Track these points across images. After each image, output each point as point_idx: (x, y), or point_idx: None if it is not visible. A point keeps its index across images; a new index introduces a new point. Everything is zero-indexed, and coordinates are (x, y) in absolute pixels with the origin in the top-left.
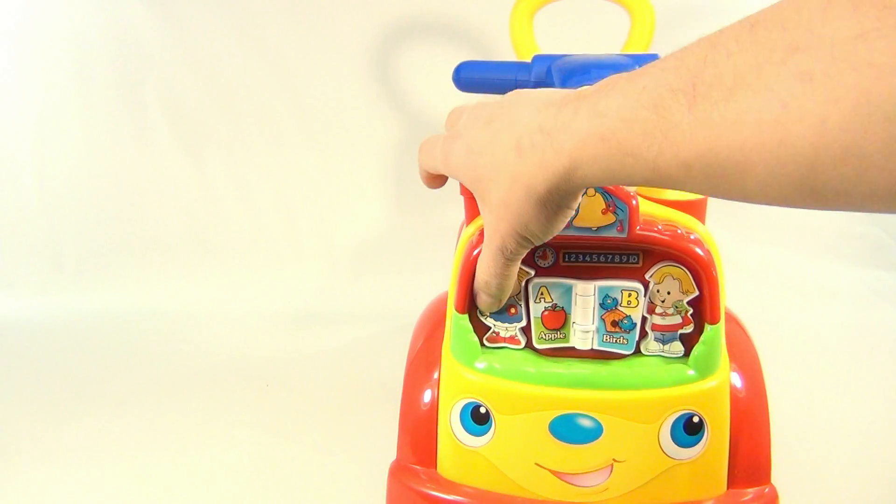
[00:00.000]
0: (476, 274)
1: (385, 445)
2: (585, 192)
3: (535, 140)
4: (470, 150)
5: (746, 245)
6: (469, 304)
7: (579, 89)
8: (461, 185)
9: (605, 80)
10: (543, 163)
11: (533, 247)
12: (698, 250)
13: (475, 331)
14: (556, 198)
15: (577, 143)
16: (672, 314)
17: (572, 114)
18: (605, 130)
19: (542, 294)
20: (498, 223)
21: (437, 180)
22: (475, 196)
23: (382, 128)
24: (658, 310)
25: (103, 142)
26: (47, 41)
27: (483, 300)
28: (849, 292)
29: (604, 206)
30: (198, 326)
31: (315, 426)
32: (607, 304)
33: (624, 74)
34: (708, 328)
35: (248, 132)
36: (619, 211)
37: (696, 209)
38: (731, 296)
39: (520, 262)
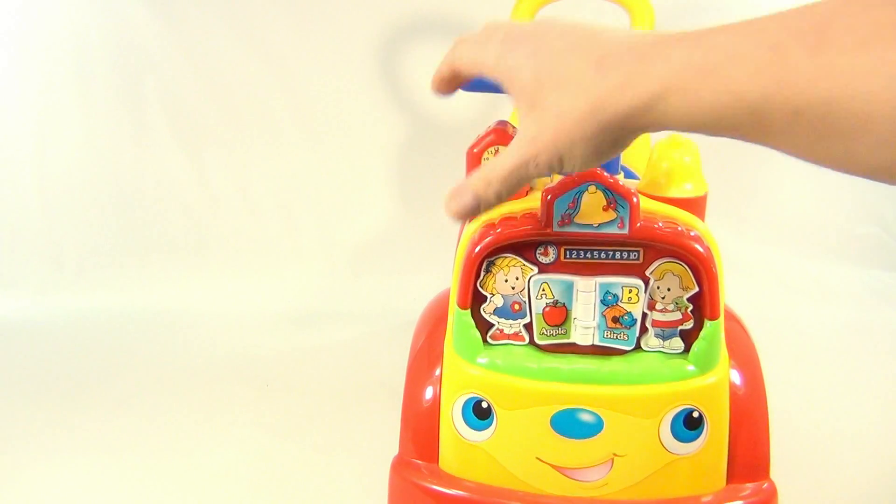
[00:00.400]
0: (474, 172)
1: (386, 442)
2: (587, 189)
3: (623, 59)
4: (538, 52)
5: (747, 245)
6: (471, 300)
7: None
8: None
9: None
10: (627, 84)
11: (558, 173)
12: (698, 247)
13: (479, 328)
14: (617, 129)
15: (672, 70)
16: (672, 310)
17: (673, 43)
18: (707, 63)
19: (543, 290)
20: (542, 132)
21: (450, 84)
22: (522, 100)
23: (383, 127)
24: (658, 306)
25: (103, 142)
26: (47, 41)
27: (462, 201)
28: (849, 292)
29: (605, 203)
30: (198, 326)
31: (315, 425)
32: (608, 300)
33: (745, 21)
34: (707, 324)
35: (249, 132)
36: (620, 208)
37: (695, 207)
38: (732, 296)
39: (528, 182)
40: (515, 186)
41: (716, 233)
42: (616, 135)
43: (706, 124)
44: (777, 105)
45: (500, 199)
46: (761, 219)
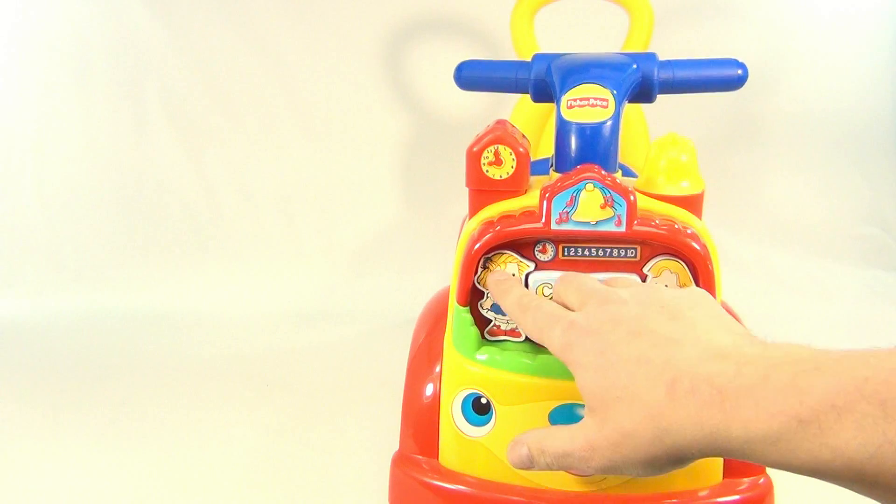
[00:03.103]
0: (537, 431)
1: (387, 439)
2: (585, 188)
3: (698, 389)
4: (603, 356)
5: (747, 245)
6: (470, 297)
7: (760, 346)
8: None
9: (797, 350)
10: (701, 419)
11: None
12: (695, 244)
13: (477, 324)
14: (685, 455)
15: (761, 415)
16: None
17: (758, 380)
18: (805, 412)
19: (542, 287)
20: (601, 442)
21: None
22: (585, 398)
23: (383, 126)
24: None
25: (103, 142)
26: (47, 41)
27: (518, 453)
28: (849, 292)
29: (602, 201)
30: (198, 326)
31: (315, 425)
32: None
33: (830, 354)
34: None
35: (249, 131)
36: (617, 206)
37: (692, 205)
38: (730, 295)
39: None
40: (566, 468)
41: (714, 232)
42: (681, 458)
43: (798, 471)
44: (889, 467)
45: (550, 468)
46: (760, 218)
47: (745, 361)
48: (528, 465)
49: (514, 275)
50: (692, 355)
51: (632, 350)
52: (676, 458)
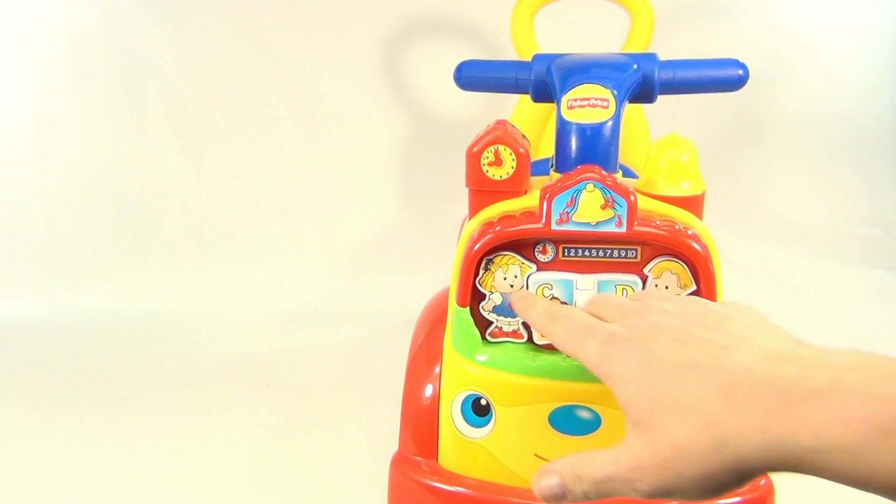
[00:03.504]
0: (569, 457)
1: (386, 440)
2: (585, 188)
3: (759, 393)
4: (648, 366)
5: (747, 245)
6: (470, 298)
7: (820, 351)
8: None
9: (864, 356)
10: (765, 426)
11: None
12: (696, 245)
13: (478, 325)
14: (747, 470)
15: (835, 422)
16: None
17: (828, 385)
18: (888, 421)
19: (542, 288)
20: (649, 459)
21: None
22: (629, 412)
23: (383, 126)
24: None
25: (103, 142)
26: (47, 41)
27: (548, 485)
28: (849, 292)
29: (603, 202)
30: (198, 326)
31: (315, 425)
32: None
33: None
34: None
35: (249, 131)
36: (617, 206)
37: (693, 206)
38: (732, 296)
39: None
40: (607, 494)
41: (715, 232)
42: (742, 473)
43: (876, 488)
44: None
45: (586, 498)
46: (761, 219)
47: (809, 365)
48: (560, 496)
49: (516, 276)
50: (748, 358)
51: (679, 357)
52: (737, 474)
